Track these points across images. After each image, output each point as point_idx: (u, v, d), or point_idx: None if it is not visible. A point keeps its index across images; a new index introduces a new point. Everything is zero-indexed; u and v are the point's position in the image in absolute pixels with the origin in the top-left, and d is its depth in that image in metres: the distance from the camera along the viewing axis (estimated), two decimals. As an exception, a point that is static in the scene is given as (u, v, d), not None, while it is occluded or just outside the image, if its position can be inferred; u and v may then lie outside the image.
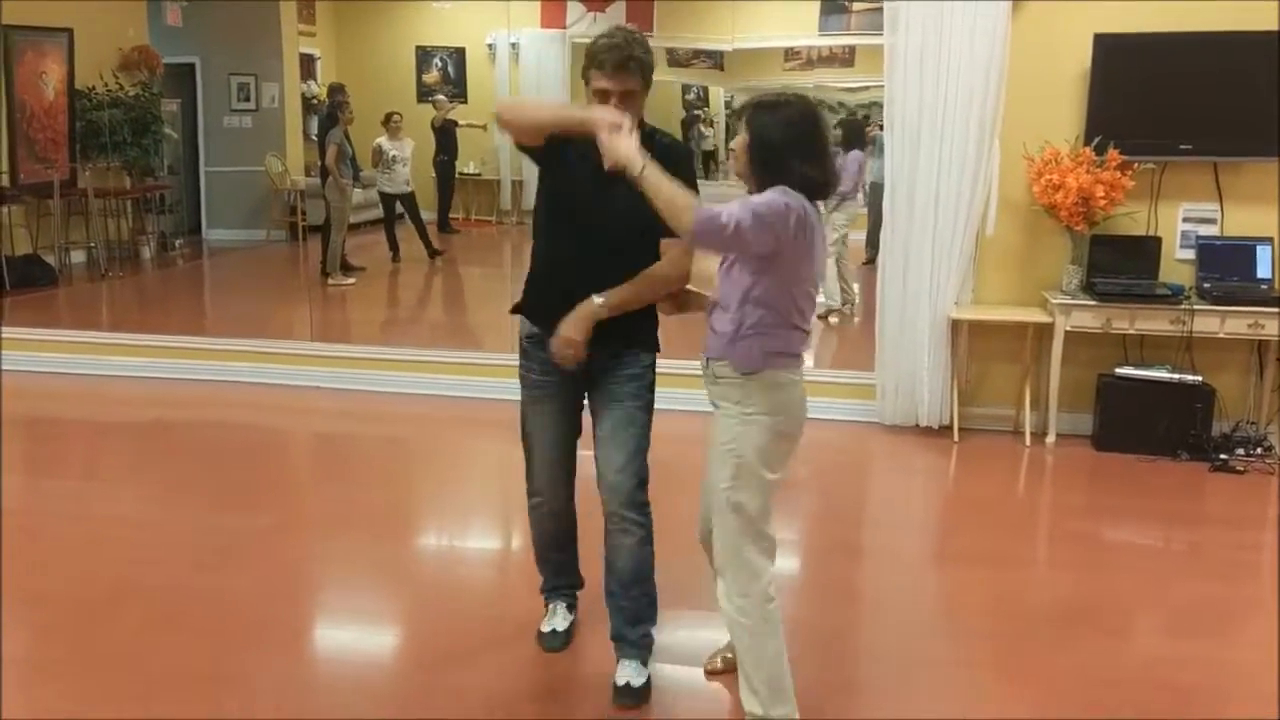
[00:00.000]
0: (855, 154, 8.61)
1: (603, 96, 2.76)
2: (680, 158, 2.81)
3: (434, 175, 11.69)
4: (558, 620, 3.34)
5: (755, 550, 2.71)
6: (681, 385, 5.72)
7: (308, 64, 12.86)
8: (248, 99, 12.27)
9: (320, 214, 9.63)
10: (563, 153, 2.82)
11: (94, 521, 4.32)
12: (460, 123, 11.67)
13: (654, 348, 3.03)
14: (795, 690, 2.75)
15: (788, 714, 2.72)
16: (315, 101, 12.48)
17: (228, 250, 11.84)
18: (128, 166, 10.38)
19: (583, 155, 2.73)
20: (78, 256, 10.03)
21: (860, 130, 9.33)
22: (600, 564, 3.11)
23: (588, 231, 2.89)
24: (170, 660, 3.21)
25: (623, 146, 2.52)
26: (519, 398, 3.13)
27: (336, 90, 9.85)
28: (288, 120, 12.26)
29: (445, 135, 11.58)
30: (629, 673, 3.01)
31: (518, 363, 3.10)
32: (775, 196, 2.55)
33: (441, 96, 11.99)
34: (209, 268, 11.43)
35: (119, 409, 6.13)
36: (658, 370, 3.06)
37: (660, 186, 2.50)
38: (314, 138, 11.01)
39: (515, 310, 3.10)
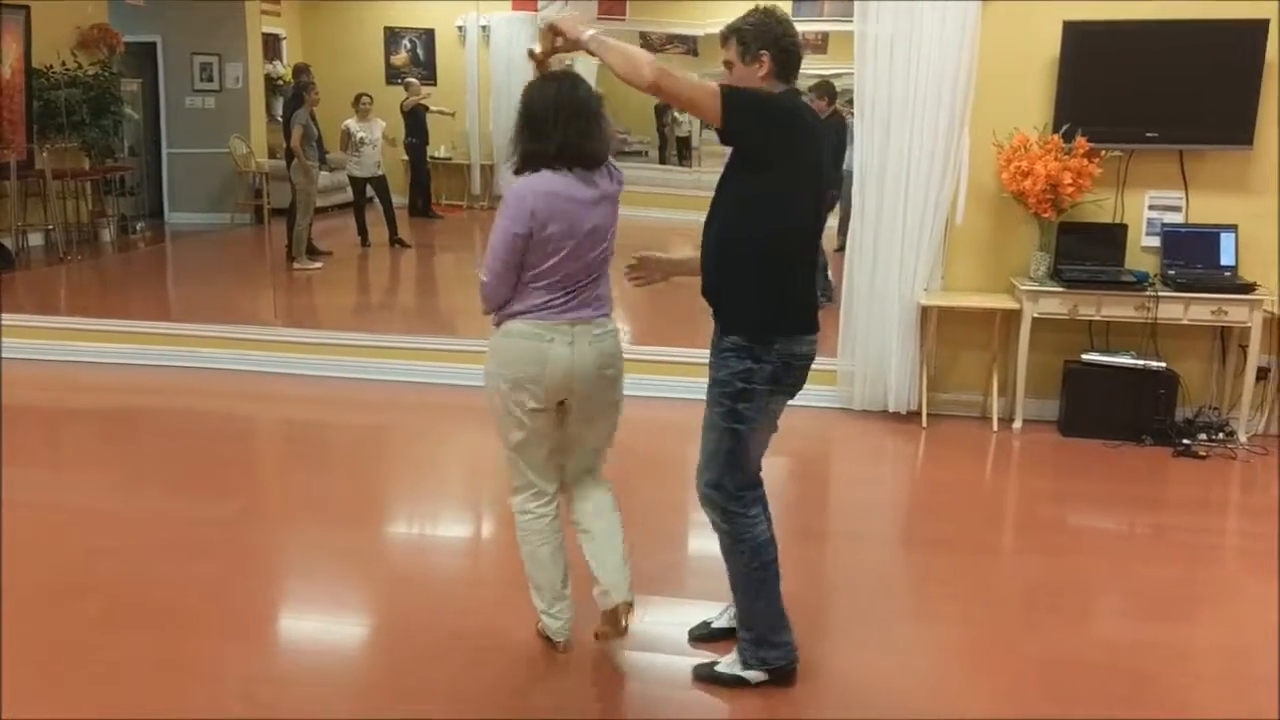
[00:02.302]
0: None
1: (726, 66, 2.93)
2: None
3: (404, 159, 11.58)
4: None
5: (517, 474, 3.11)
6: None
7: (273, 44, 12.68)
8: (211, 79, 12.08)
9: (286, 197, 9.51)
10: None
11: (54, 510, 4.24)
12: (431, 108, 11.54)
13: None
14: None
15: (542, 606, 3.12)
16: (280, 82, 12.32)
17: (191, 234, 11.67)
18: (87, 147, 10.18)
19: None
20: (35, 239, 9.86)
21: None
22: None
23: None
24: (133, 651, 3.17)
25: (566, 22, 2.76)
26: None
27: (302, 71, 9.73)
28: (252, 101, 12.09)
29: (414, 119, 11.45)
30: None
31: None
32: (500, 219, 2.85)
33: (413, 80, 11.84)
34: (171, 251, 11.27)
35: (79, 395, 6.04)
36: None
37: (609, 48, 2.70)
38: (279, 119, 10.86)
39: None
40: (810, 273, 2.94)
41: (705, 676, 3.03)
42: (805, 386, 2.99)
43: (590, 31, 2.70)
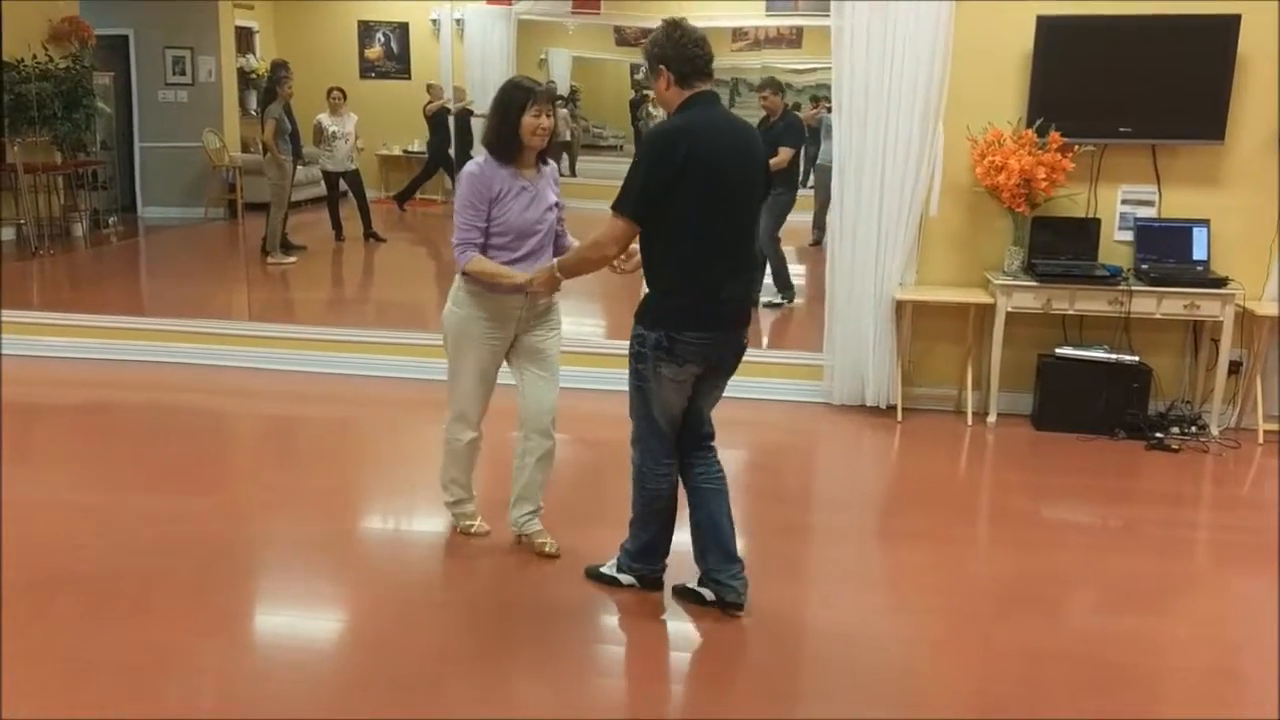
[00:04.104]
0: None
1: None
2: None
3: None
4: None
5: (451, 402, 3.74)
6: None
7: (246, 37, 12.59)
8: (183, 72, 11.97)
9: (260, 191, 9.43)
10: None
11: (24, 507, 4.19)
12: (475, 113, 11.50)
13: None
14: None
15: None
16: (254, 76, 12.22)
17: (164, 228, 11.57)
18: (58, 141, 10.06)
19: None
20: (7, 234, 9.74)
21: None
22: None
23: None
24: (105, 649, 3.14)
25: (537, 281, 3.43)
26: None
27: (279, 66, 9.64)
28: (225, 95, 12.00)
29: (438, 122, 11.43)
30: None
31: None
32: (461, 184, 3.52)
33: (437, 84, 11.78)
34: (144, 246, 11.15)
35: (51, 390, 5.97)
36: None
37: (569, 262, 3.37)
38: (254, 113, 10.78)
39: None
40: None
41: (590, 574, 3.60)
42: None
43: (553, 267, 3.39)
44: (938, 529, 4.25)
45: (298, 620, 3.48)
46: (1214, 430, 5.37)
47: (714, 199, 3.07)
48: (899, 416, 5.55)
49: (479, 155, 3.57)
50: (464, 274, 3.54)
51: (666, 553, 3.50)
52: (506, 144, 3.47)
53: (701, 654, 3.27)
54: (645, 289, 3.25)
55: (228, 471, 4.93)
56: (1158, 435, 5.25)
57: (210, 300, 7.97)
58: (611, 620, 3.45)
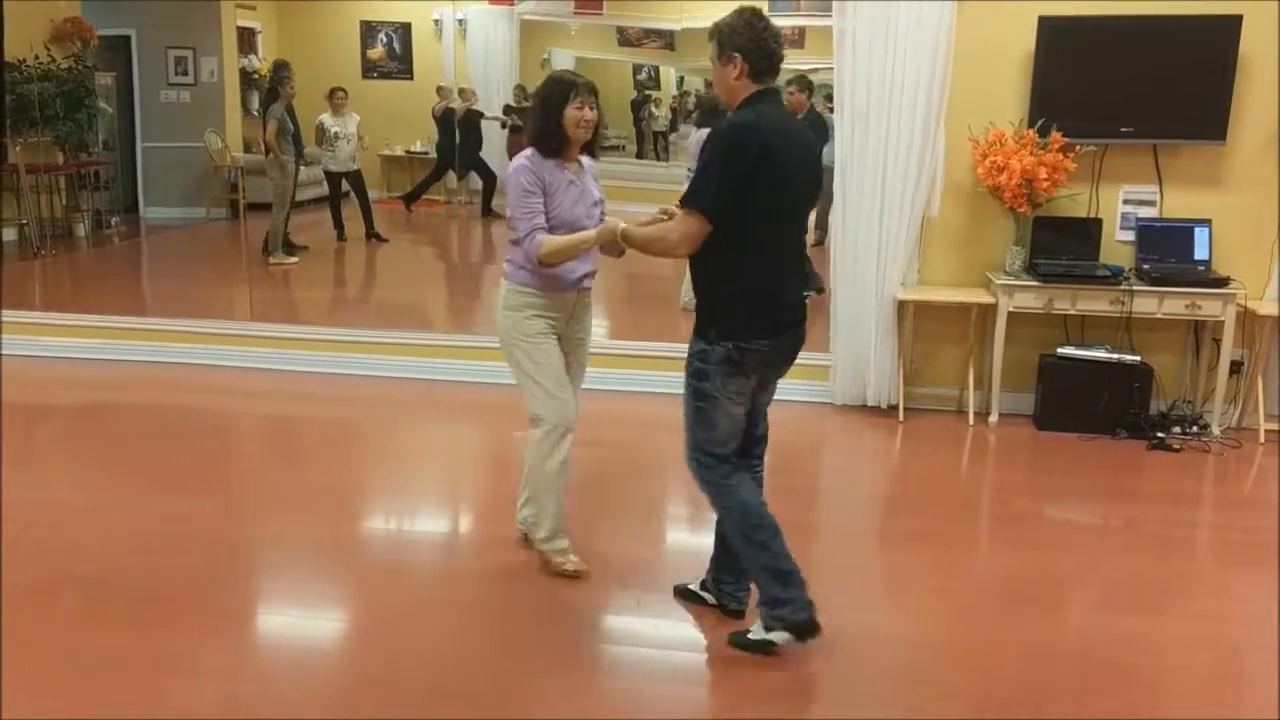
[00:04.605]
0: (705, 130, 7.75)
1: None
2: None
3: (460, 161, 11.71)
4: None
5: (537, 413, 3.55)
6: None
7: (248, 37, 12.58)
8: (185, 73, 11.97)
9: (261, 191, 9.43)
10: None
11: (27, 507, 4.19)
12: (485, 115, 11.51)
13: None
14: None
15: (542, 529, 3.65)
16: (256, 76, 12.22)
17: (166, 228, 11.57)
18: (61, 141, 10.07)
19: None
20: (9, 234, 9.74)
21: (715, 107, 7.73)
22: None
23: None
24: (108, 649, 3.14)
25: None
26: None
27: (281, 66, 9.64)
28: (227, 95, 11.99)
29: (467, 125, 11.44)
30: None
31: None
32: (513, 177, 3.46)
33: (467, 86, 11.78)
34: (147, 246, 11.16)
35: (53, 391, 5.98)
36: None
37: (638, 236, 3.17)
38: (255, 113, 10.78)
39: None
40: None
41: (737, 643, 3.19)
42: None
43: (621, 226, 3.24)
44: (939, 529, 4.25)
45: (302, 621, 3.48)
46: (1215, 430, 5.37)
47: (780, 198, 2.98)
48: (901, 416, 5.55)
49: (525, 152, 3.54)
50: (540, 260, 3.41)
51: (800, 579, 3.10)
52: (551, 138, 3.46)
53: (701, 655, 3.27)
54: (687, 297, 3.15)
55: (230, 472, 4.93)
56: (1159, 435, 5.25)
57: (212, 300, 7.97)
58: (614, 621, 3.45)
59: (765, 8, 3.14)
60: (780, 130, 3.01)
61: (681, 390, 3.14)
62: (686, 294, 7.80)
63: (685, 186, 3.15)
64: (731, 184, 2.89)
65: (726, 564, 3.33)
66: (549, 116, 3.44)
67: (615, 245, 3.27)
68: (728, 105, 3.12)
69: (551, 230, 3.42)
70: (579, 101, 3.43)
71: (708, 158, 2.95)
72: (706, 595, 3.40)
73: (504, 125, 11.52)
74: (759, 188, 2.90)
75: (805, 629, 3.07)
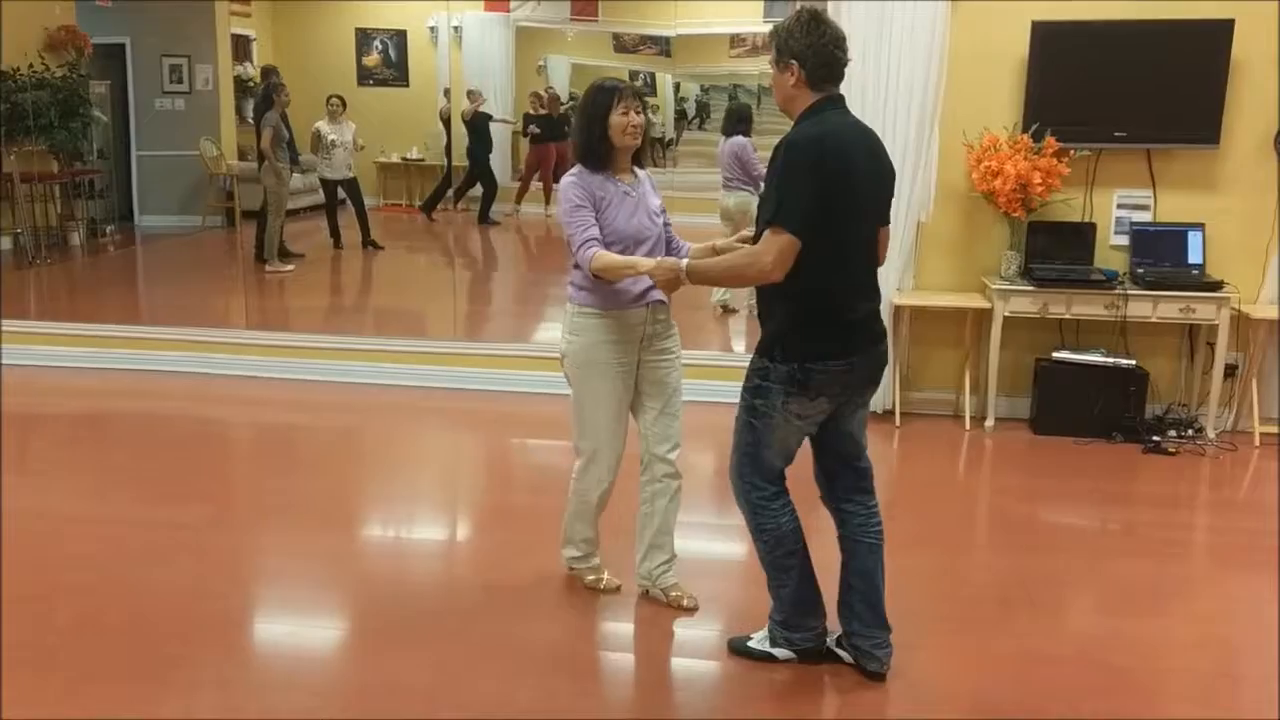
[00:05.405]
0: (735, 140, 7.48)
1: None
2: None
3: (465, 165, 11.53)
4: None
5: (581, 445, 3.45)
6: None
7: (243, 45, 12.57)
8: (180, 81, 11.96)
9: (257, 199, 9.43)
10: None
11: (23, 517, 4.19)
12: (495, 118, 11.47)
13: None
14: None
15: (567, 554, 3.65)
16: (250, 84, 12.22)
17: (161, 236, 11.56)
18: (55, 150, 10.05)
19: None
20: (4, 243, 9.71)
21: (741, 115, 7.86)
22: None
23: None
24: (104, 659, 3.13)
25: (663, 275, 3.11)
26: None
27: (270, 72, 9.65)
28: (222, 103, 11.97)
29: (476, 128, 11.43)
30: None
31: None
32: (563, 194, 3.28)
33: (475, 88, 11.75)
34: (142, 254, 11.16)
35: (49, 400, 5.97)
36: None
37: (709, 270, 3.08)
38: (250, 121, 10.78)
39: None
40: None
41: (736, 649, 3.20)
42: None
43: (685, 264, 3.06)
44: (936, 533, 4.26)
45: (297, 630, 3.47)
46: (1210, 433, 5.38)
47: (850, 213, 2.83)
48: (897, 421, 5.56)
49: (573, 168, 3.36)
50: (593, 274, 3.22)
51: (822, 610, 3.10)
52: (597, 149, 3.27)
53: (702, 656, 3.27)
54: (752, 312, 2.92)
55: (226, 480, 4.93)
56: (1155, 439, 5.26)
57: (208, 308, 7.97)
58: (612, 626, 3.45)
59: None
60: (850, 140, 2.85)
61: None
62: (719, 293, 7.83)
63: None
64: (815, 198, 2.73)
65: (860, 610, 3.08)
66: (592, 129, 3.26)
67: (675, 284, 3.09)
68: (787, 114, 2.94)
69: (613, 245, 3.24)
70: (623, 107, 3.24)
71: (781, 174, 2.77)
72: (844, 654, 3.16)
73: (525, 134, 11.44)
74: (835, 202, 2.76)
75: (812, 656, 3.11)
